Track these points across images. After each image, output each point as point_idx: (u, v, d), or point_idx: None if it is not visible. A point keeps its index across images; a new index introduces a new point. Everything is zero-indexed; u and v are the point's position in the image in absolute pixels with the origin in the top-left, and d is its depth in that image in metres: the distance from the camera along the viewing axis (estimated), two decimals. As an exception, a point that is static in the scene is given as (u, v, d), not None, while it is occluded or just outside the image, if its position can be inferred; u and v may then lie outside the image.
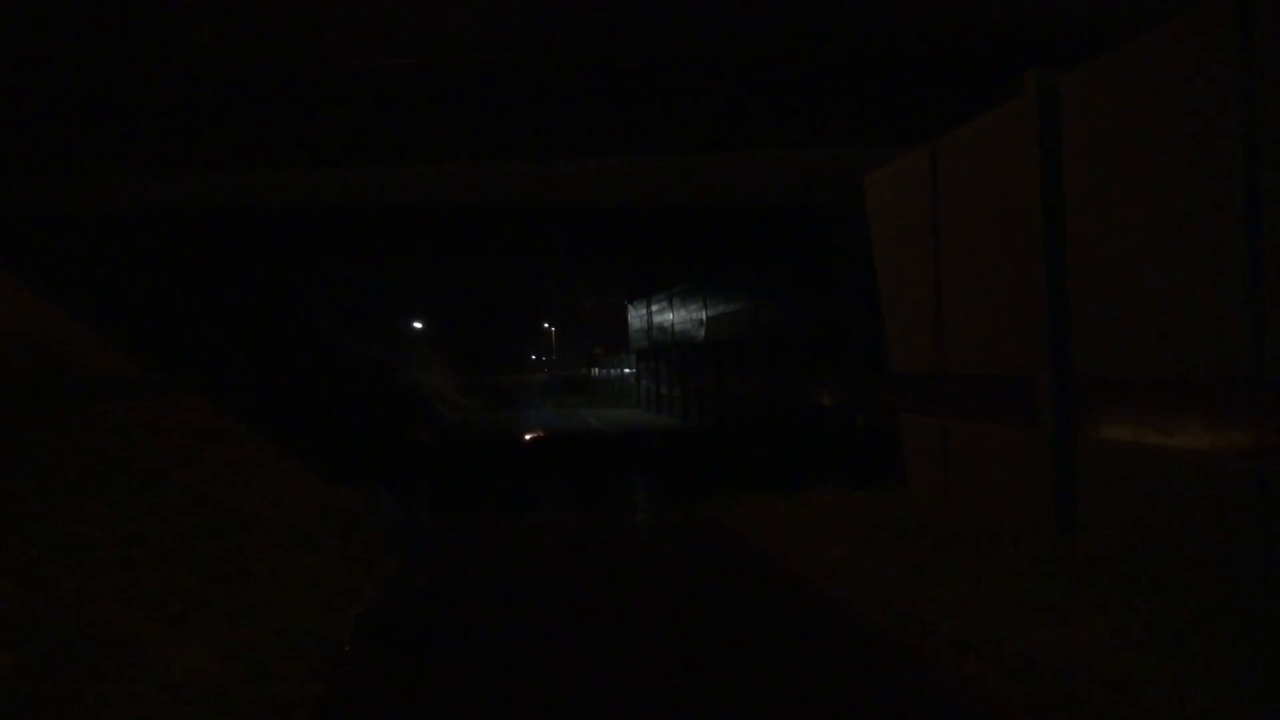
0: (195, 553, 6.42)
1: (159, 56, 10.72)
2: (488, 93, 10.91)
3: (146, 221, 14.56)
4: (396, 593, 6.78)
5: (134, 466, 7.36)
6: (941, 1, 9.86)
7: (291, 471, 9.65)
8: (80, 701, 4.28)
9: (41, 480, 6.37)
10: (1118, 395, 6.30)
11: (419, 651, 5.45)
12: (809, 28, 10.12)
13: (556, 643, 5.53)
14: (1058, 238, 6.79)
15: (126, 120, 11.11)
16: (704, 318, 20.18)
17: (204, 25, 10.98)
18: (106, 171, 11.19)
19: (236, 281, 19.29)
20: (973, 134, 8.07)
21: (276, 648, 5.22)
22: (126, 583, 5.66)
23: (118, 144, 11.15)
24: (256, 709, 4.44)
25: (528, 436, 22.47)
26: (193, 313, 14.93)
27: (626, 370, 36.21)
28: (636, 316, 31.54)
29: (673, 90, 10.89)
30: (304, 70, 10.67)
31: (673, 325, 24.28)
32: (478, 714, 4.49)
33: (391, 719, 4.47)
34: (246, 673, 4.85)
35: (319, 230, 17.58)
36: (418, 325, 44.24)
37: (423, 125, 11.10)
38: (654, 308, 27.33)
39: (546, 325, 76.23)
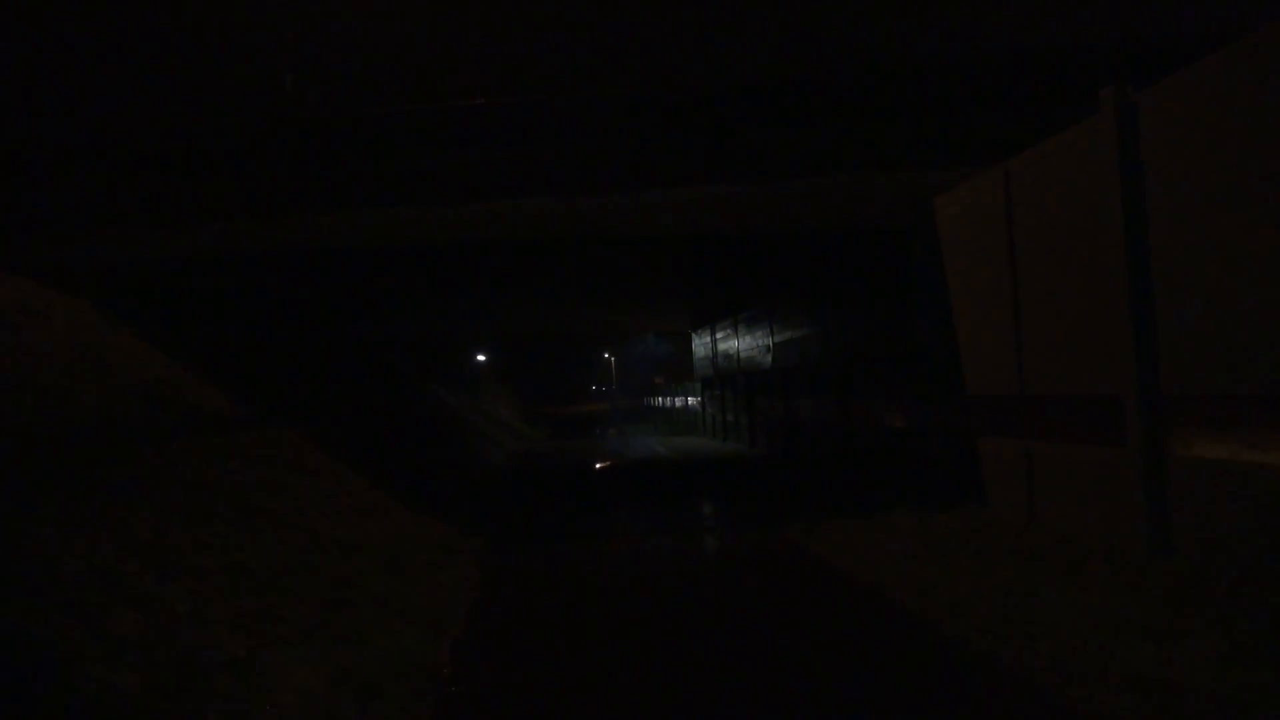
0: (297, 580, 6.64)
1: (245, 104, 11.22)
2: (559, 129, 11.18)
3: (235, 265, 15.14)
4: (488, 618, 6.93)
5: (234, 497, 7.65)
6: (1005, 28, 9.92)
7: (378, 502, 9.90)
8: (204, 720, 4.47)
9: (152, 510, 6.65)
10: (1210, 412, 6.22)
11: (518, 674, 5.58)
12: (875, 56, 10.25)
13: (657, 664, 5.60)
14: (1140, 254, 6.75)
15: (217, 168, 11.63)
16: (771, 344, 20.19)
17: (288, 74, 11.48)
18: (199, 218, 11.70)
19: (315, 319, 19.87)
20: (1047, 153, 8.06)
21: (381, 671, 5.39)
22: (236, 608, 5.88)
23: (208, 192, 11.67)
24: (369, 728, 4.61)
25: (599, 465, 22.62)
26: (276, 349, 15.43)
27: (691, 399, 36.25)
28: (700, 344, 31.62)
29: (738, 119, 11.05)
30: (381, 113, 11.07)
31: (738, 352, 24.31)
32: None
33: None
34: (355, 695, 5.02)
35: (393, 267, 18.06)
36: (481, 358, 44.89)
37: (497, 163, 11.41)
38: (718, 335, 27.39)
39: (607, 355, 76.73)
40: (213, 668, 5.08)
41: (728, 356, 25.93)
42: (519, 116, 11.00)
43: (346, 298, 21.03)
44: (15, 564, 5.20)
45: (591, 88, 10.67)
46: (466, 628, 6.53)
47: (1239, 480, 5.88)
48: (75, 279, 10.47)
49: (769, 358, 20.45)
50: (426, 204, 11.59)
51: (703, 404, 32.41)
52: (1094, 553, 6.97)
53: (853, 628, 6.21)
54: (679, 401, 40.06)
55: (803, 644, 5.90)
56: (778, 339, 19.62)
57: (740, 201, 11.78)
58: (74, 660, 4.74)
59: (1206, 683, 4.29)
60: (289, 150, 11.59)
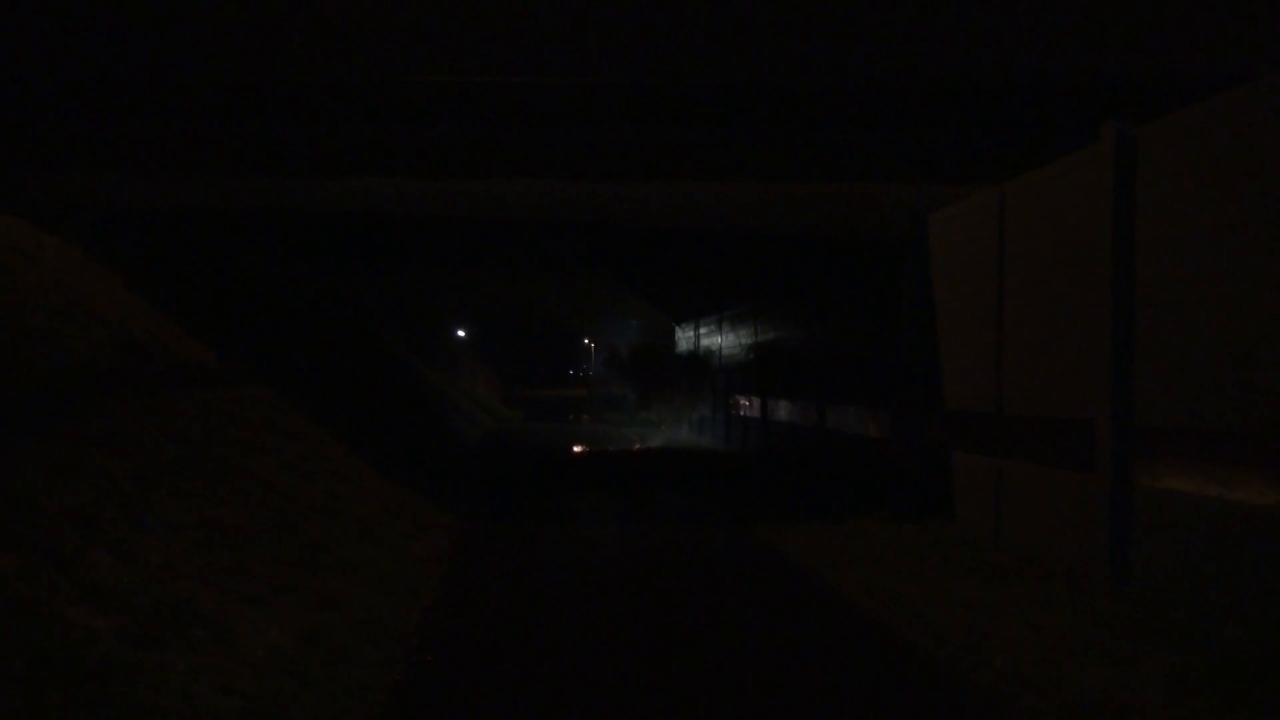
0: (272, 540, 6.69)
1: (249, 61, 11.13)
2: (554, 113, 11.16)
3: (221, 221, 15.06)
4: (458, 592, 7.00)
5: (214, 453, 7.67)
6: (1005, 54, 10.02)
7: (355, 469, 9.94)
8: (174, 670, 4.52)
9: (132, 460, 6.67)
10: (1179, 445, 6.37)
11: (486, 648, 5.66)
12: (877, 67, 10.30)
13: (619, 647, 5.70)
14: (1126, 284, 6.89)
15: (210, 122, 11.54)
16: (754, 343, 20.31)
17: (295, 33, 11.38)
18: (189, 170, 11.61)
19: (300, 283, 19.80)
20: (1044, 179, 8.19)
21: (351, 635, 5.47)
22: (210, 562, 5.93)
23: (201, 145, 11.57)
24: (337, 689, 4.68)
25: (573, 450, 22.71)
26: (261, 311, 15.38)
27: (669, 391, 36.26)
28: (684, 338, 31.69)
29: (735, 119, 11.09)
30: (381, 82, 10.99)
31: (720, 349, 24.42)
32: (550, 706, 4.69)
33: (465, 712, 4.68)
34: (325, 657, 5.09)
35: (377, 237, 18.02)
36: (461, 334, 44.74)
37: (492, 141, 11.37)
38: (702, 330, 27.49)
39: (586, 341, 76.58)
40: (185, 619, 5.13)
41: (710, 352, 26.03)
42: (513, 96, 10.96)
43: (329, 263, 20.99)
44: (-4, 503, 5.22)
45: (590, 74, 10.64)
46: (437, 599, 6.60)
47: (1203, 514, 6.04)
48: (68, 223, 10.41)
49: (751, 356, 20.57)
50: (416, 175, 11.49)
51: (681, 397, 32.48)
52: (1056, 574, 7.13)
53: (813, 628, 6.33)
54: (657, 393, 40.06)
55: (760, 639, 6.01)
56: (761, 339, 19.74)
57: (733, 201, 11.83)
58: (47, 600, 4.77)
59: (1156, 708, 4.43)
60: (285, 110, 11.50)
